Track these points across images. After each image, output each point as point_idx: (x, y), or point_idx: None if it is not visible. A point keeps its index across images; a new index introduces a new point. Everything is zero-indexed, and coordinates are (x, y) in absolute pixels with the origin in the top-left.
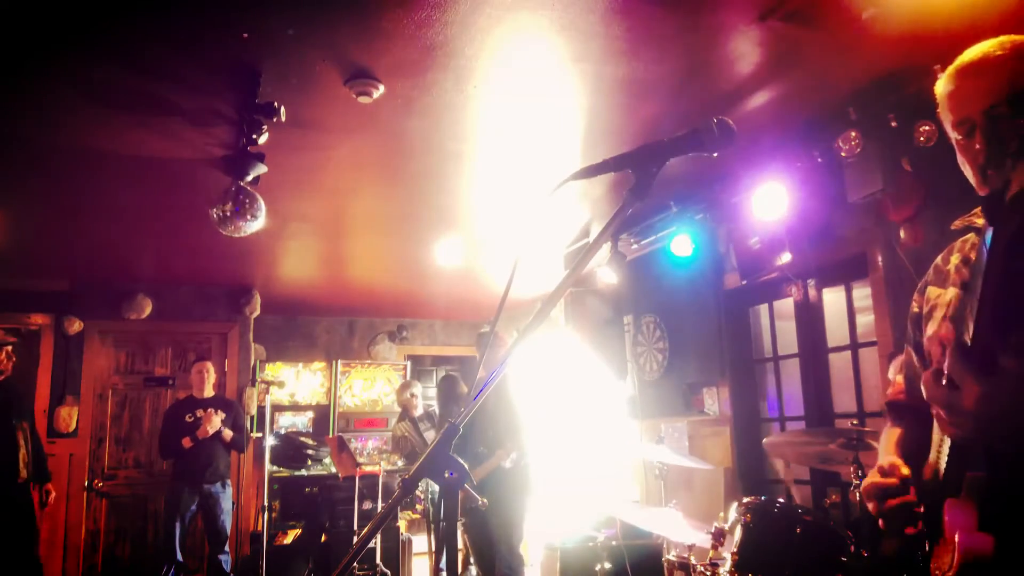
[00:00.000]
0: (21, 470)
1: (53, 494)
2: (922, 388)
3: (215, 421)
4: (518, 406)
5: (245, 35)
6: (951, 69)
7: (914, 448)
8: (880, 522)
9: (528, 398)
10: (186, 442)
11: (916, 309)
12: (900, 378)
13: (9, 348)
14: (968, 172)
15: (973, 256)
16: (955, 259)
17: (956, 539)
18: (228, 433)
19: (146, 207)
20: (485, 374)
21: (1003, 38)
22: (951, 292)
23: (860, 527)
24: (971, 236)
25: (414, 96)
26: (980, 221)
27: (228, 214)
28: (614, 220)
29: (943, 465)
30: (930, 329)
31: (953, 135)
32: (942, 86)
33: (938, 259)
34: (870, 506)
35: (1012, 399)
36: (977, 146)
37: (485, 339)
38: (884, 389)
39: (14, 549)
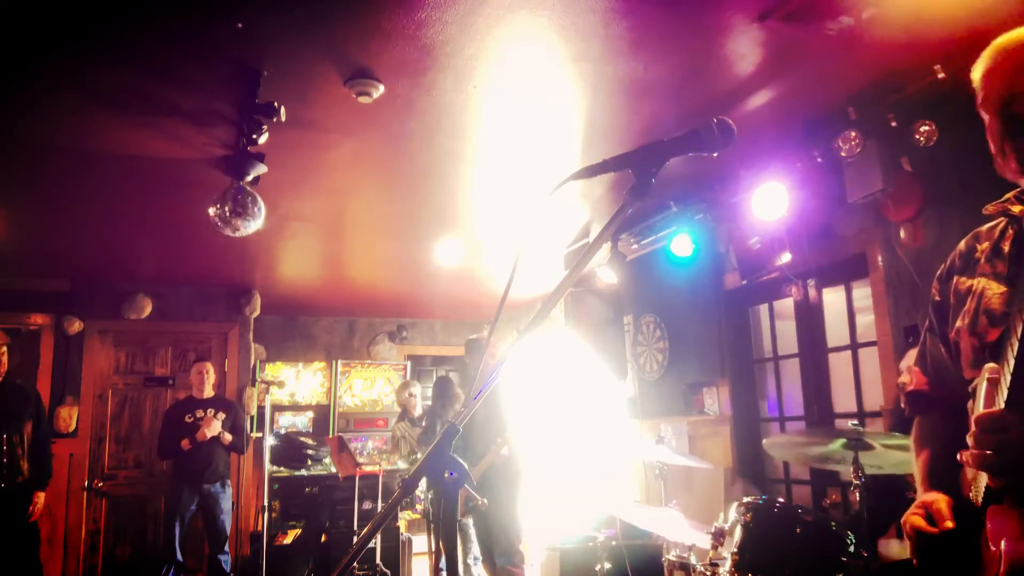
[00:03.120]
0: (24, 471)
1: (40, 503)
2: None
3: (214, 425)
4: (509, 404)
5: (240, 25)
6: (992, 50)
7: (946, 442)
8: (915, 561)
9: (524, 396)
10: (185, 443)
11: (939, 298)
12: (917, 369)
13: (4, 349)
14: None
15: (1007, 247)
16: (984, 247)
17: (1002, 547)
18: (227, 437)
19: (146, 207)
20: (480, 380)
21: None
22: (983, 283)
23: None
24: (1000, 221)
25: (414, 96)
26: (1017, 208)
27: (228, 214)
28: (614, 220)
29: (982, 487)
30: (959, 320)
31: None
32: (979, 68)
33: (961, 245)
34: (908, 545)
35: None
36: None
37: (474, 346)
38: (885, 389)
39: (15, 550)
